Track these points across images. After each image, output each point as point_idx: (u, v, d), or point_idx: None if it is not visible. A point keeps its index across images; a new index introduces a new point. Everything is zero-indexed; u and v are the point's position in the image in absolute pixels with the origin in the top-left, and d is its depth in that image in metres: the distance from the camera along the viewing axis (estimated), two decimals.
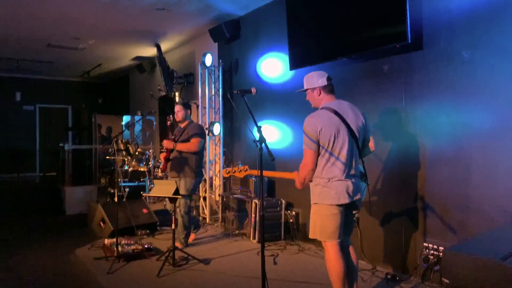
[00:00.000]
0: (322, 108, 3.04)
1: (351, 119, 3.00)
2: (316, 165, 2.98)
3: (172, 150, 4.88)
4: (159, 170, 6.48)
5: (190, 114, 5.18)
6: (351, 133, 2.97)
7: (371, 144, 3.26)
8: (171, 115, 5.00)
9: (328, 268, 3.02)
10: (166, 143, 4.86)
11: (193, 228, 5.22)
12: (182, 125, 5.07)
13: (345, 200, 2.92)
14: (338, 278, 2.95)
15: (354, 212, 3.14)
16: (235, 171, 3.42)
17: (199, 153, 4.97)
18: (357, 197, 3.01)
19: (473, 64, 3.45)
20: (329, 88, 3.08)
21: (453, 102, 3.60)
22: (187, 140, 4.88)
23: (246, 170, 3.39)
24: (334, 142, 2.93)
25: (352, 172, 2.98)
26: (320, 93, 3.07)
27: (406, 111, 3.98)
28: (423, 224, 3.84)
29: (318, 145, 2.95)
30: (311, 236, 3.07)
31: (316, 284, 3.83)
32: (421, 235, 3.84)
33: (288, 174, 3.19)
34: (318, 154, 2.97)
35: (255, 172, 3.34)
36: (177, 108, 5.06)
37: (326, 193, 2.94)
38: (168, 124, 4.95)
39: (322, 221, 2.99)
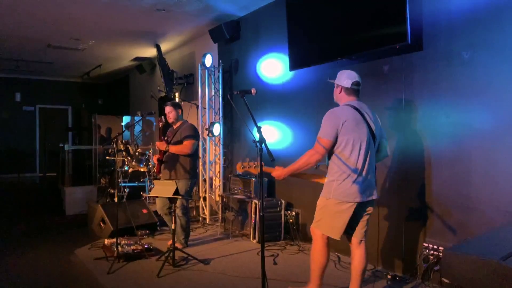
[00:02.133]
0: (345, 105, 3.10)
1: (370, 119, 3.08)
2: (323, 158, 3.08)
3: (165, 152, 4.82)
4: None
5: (182, 113, 5.07)
6: (370, 132, 3.04)
7: (388, 150, 3.31)
8: (162, 117, 4.91)
9: (312, 258, 3.18)
10: (159, 145, 4.80)
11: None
12: (175, 126, 4.98)
13: (358, 198, 2.97)
14: (320, 269, 3.14)
15: (368, 211, 3.15)
16: (250, 166, 3.32)
17: (194, 155, 4.89)
18: (371, 197, 3.06)
19: (472, 64, 3.46)
20: (351, 91, 3.14)
21: (453, 102, 3.60)
22: (180, 141, 4.80)
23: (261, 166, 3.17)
24: (353, 139, 2.98)
25: (368, 171, 3.03)
26: (341, 92, 3.17)
27: (406, 111, 3.99)
28: (423, 224, 3.85)
29: (336, 138, 2.99)
30: (312, 226, 3.17)
31: None
32: (421, 235, 3.85)
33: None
34: (332, 149, 3.02)
35: (270, 170, 3.25)
36: (168, 109, 4.95)
37: (342, 190, 2.99)
38: (160, 125, 4.86)
39: (330, 216, 3.06)
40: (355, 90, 3.13)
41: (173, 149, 4.75)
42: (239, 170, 3.41)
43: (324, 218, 3.10)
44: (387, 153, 3.31)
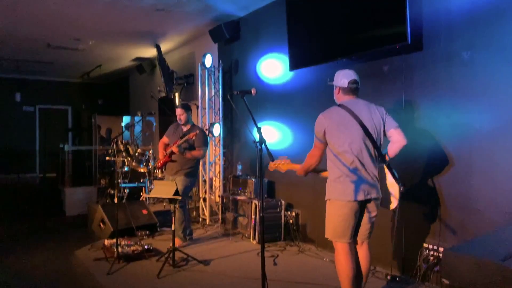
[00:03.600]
0: (336, 105, 3.13)
1: (365, 117, 3.03)
2: (320, 158, 3.14)
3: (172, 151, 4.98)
4: (159, 171, 6.48)
5: (191, 115, 5.25)
6: (364, 131, 3.00)
7: (400, 138, 3.08)
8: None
9: (336, 270, 3.08)
10: (174, 150, 4.91)
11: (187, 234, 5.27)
12: (185, 129, 5.16)
13: (354, 197, 2.94)
14: (347, 280, 3.01)
15: (371, 211, 3.09)
16: (278, 164, 3.44)
17: None
18: (369, 195, 2.99)
19: (472, 64, 3.45)
20: (348, 90, 3.13)
21: (453, 102, 3.59)
22: (191, 145, 4.98)
23: (288, 163, 3.44)
24: (343, 139, 2.98)
25: (365, 169, 2.99)
26: (339, 92, 3.18)
27: (406, 111, 3.98)
28: (423, 224, 3.84)
29: (325, 142, 3.07)
30: (325, 235, 3.14)
31: (316, 285, 3.83)
32: (421, 235, 3.84)
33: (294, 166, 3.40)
34: (325, 149, 3.10)
35: (297, 167, 3.35)
36: (179, 111, 5.12)
37: (339, 190, 2.99)
38: (193, 138, 4.98)
39: (332, 219, 3.05)
40: (352, 88, 3.12)
41: (190, 155, 4.95)
42: (270, 169, 3.49)
43: (328, 222, 3.08)
44: (400, 142, 3.08)
